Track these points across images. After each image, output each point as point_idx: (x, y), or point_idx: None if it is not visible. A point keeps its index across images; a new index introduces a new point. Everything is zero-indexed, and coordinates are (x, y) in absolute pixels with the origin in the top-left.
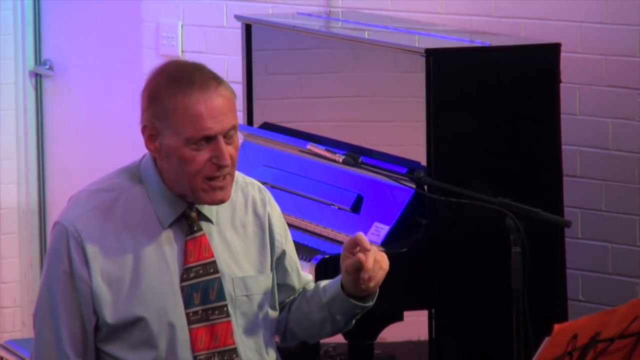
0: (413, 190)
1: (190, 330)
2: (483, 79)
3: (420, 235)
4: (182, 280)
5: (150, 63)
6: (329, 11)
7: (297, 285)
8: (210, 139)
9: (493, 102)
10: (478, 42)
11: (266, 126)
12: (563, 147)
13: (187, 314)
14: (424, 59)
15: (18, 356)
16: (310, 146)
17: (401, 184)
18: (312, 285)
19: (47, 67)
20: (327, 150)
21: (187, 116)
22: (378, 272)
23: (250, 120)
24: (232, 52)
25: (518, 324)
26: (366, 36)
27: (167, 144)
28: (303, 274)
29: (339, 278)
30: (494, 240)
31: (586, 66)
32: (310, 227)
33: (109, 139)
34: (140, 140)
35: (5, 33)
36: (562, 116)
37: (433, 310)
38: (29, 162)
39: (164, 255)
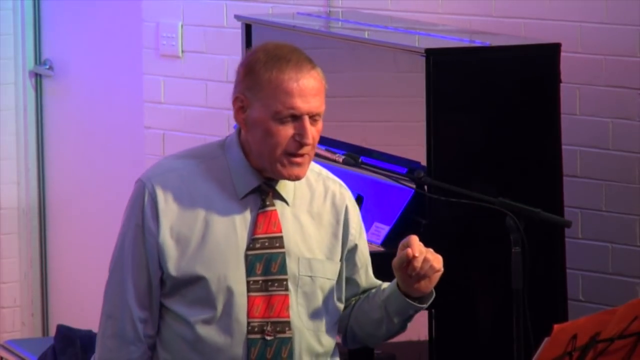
0: (413, 190)
1: (248, 297)
2: (483, 79)
3: (420, 235)
4: (247, 249)
5: (150, 63)
6: (329, 11)
7: (363, 283)
8: (296, 117)
9: (493, 102)
10: (478, 42)
11: None
12: (563, 147)
13: (248, 282)
14: (424, 59)
15: (18, 356)
16: None
17: (401, 184)
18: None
19: (47, 67)
20: (327, 150)
21: (278, 91)
22: (428, 271)
23: None
24: (232, 52)
25: (518, 324)
26: (366, 36)
27: (255, 116)
28: (372, 277)
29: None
30: (494, 240)
31: (586, 66)
32: None
33: (109, 139)
34: (140, 140)
35: (5, 33)
36: (562, 116)
37: (433, 310)
38: (29, 162)
39: (233, 224)
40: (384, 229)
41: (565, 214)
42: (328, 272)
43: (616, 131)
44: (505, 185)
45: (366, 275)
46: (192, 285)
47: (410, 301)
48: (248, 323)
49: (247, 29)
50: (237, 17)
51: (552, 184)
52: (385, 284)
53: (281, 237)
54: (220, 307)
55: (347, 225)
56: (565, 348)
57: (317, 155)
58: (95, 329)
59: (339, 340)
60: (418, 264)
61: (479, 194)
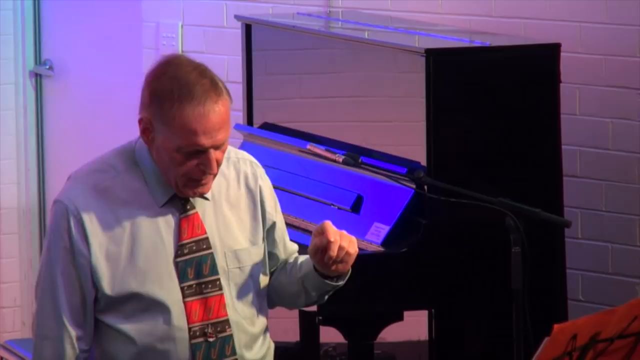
0: (413, 190)
1: (185, 303)
2: (483, 79)
3: (420, 235)
4: (176, 256)
5: (151, 63)
6: (329, 11)
7: (282, 255)
8: (200, 151)
9: (493, 102)
10: (478, 42)
11: (266, 126)
12: (563, 147)
13: (182, 288)
14: (424, 59)
15: (18, 356)
16: (310, 146)
17: (401, 184)
18: (295, 256)
19: (47, 67)
20: (327, 150)
21: (182, 129)
22: (344, 257)
23: (250, 120)
24: (232, 52)
25: (518, 324)
26: (366, 36)
27: (159, 142)
28: (290, 245)
29: None
30: (494, 240)
31: (586, 66)
32: (311, 227)
33: (109, 139)
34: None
35: (5, 33)
36: (562, 116)
37: (433, 310)
38: (29, 162)
39: (159, 233)
40: (384, 229)
41: (565, 214)
42: (255, 257)
43: (616, 131)
44: (505, 185)
45: (284, 247)
46: (128, 300)
47: (327, 281)
48: (189, 329)
49: (247, 29)
50: (237, 17)
51: (552, 184)
52: (302, 257)
53: (207, 239)
54: (158, 317)
55: (263, 205)
56: (565, 348)
57: (317, 155)
58: None
59: None
60: (333, 252)
61: (479, 194)
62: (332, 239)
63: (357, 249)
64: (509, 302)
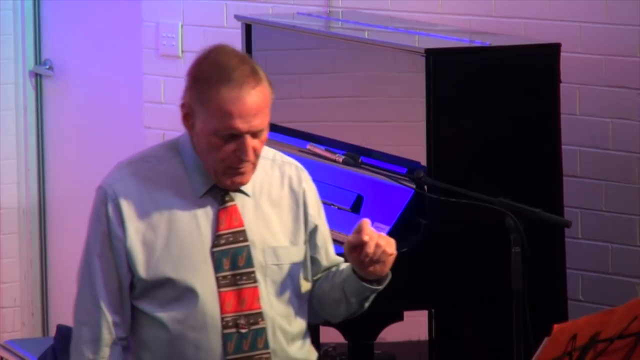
0: (413, 190)
1: (219, 293)
2: (483, 79)
3: (420, 235)
4: (213, 246)
5: (150, 63)
6: (329, 11)
7: (324, 261)
8: (237, 135)
9: (493, 102)
10: (478, 42)
11: None
12: (563, 147)
13: (217, 278)
14: (424, 59)
15: (18, 356)
16: (310, 146)
17: (401, 184)
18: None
19: (47, 67)
20: (327, 150)
21: (219, 111)
22: (381, 256)
23: None
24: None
25: (518, 324)
26: (366, 36)
27: (199, 127)
28: (333, 254)
29: None
30: (494, 240)
31: (586, 66)
32: None
33: (109, 139)
34: (140, 140)
35: (5, 33)
36: (562, 116)
37: (433, 310)
38: (29, 162)
39: (197, 222)
40: (384, 229)
41: (565, 214)
42: (294, 257)
43: (616, 131)
44: (505, 185)
45: (327, 254)
46: (162, 287)
47: (366, 284)
48: (222, 319)
49: (247, 29)
50: (237, 17)
51: (552, 184)
52: (345, 264)
53: (244, 231)
54: (192, 305)
55: (306, 207)
56: (565, 348)
57: (317, 155)
58: None
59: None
60: (370, 249)
61: (479, 194)
62: (366, 237)
63: (395, 251)
64: (509, 302)
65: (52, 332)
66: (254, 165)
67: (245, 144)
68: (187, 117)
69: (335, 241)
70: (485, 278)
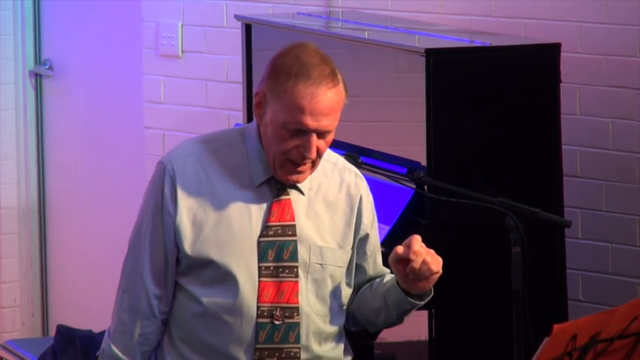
0: (413, 190)
1: (259, 282)
2: (483, 79)
3: (420, 235)
4: (261, 235)
5: (150, 63)
6: (329, 11)
7: (370, 271)
8: (304, 131)
9: (493, 102)
10: (478, 42)
11: None
12: (563, 147)
13: (260, 267)
14: (424, 59)
15: (18, 356)
16: None
17: (401, 184)
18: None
19: (47, 67)
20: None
21: (291, 104)
22: (425, 272)
23: (250, 120)
24: (232, 52)
25: (518, 324)
26: (366, 36)
27: (268, 117)
28: (380, 265)
29: None
30: (494, 240)
31: (586, 66)
32: None
33: (109, 139)
34: (140, 140)
35: (5, 33)
36: (562, 116)
37: (433, 310)
38: (29, 162)
39: (248, 210)
40: (384, 229)
41: (565, 214)
42: (339, 260)
43: (616, 131)
44: (505, 185)
45: (374, 264)
46: (206, 267)
47: (408, 298)
48: (258, 307)
49: (247, 29)
50: (237, 17)
51: (552, 184)
52: (390, 275)
53: (294, 226)
54: (231, 290)
55: (360, 215)
56: (565, 348)
57: None
58: (95, 329)
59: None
60: (416, 264)
61: (479, 194)
62: (412, 257)
63: (441, 269)
64: (509, 302)
65: (52, 332)
66: (314, 165)
67: (310, 142)
68: (260, 105)
69: None
70: (485, 278)
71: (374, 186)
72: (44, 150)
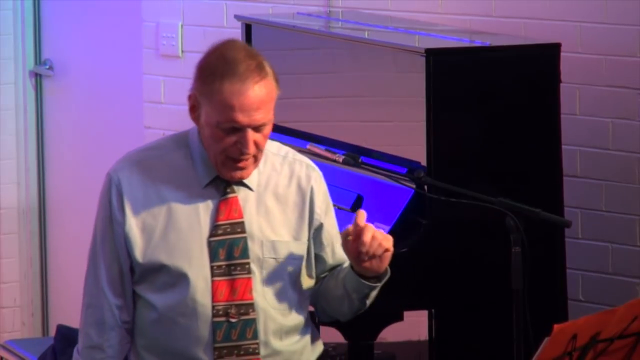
0: (413, 190)
1: (212, 281)
2: (483, 79)
3: (420, 235)
4: (210, 235)
5: (150, 63)
6: (329, 11)
7: (330, 260)
8: (238, 128)
9: (493, 102)
10: (478, 42)
11: None
12: (563, 147)
13: (212, 267)
14: (424, 59)
15: (18, 356)
16: (310, 146)
17: (401, 184)
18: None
19: (47, 67)
20: (327, 150)
21: (221, 104)
22: (377, 250)
23: None
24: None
25: (518, 324)
26: (366, 36)
27: (203, 119)
28: (340, 253)
29: None
30: (494, 240)
31: (586, 66)
32: None
33: (109, 139)
34: (140, 140)
35: (5, 33)
36: (562, 116)
37: (433, 310)
38: (29, 162)
39: (197, 212)
40: (384, 229)
41: (565, 214)
42: (294, 253)
43: (616, 131)
44: (505, 185)
45: (333, 253)
46: (158, 272)
47: (364, 281)
48: (213, 307)
49: (247, 29)
50: (237, 17)
51: (552, 184)
52: (348, 262)
53: (242, 223)
54: (185, 292)
55: (312, 205)
56: (565, 348)
57: (317, 155)
58: None
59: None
60: (367, 238)
61: (479, 194)
62: (362, 224)
63: (391, 247)
64: (509, 302)
65: (52, 332)
66: (257, 159)
67: (246, 137)
68: (194, 108)
69: None
70: (485, 278)
71: (374, 186)
72: (44, 150)
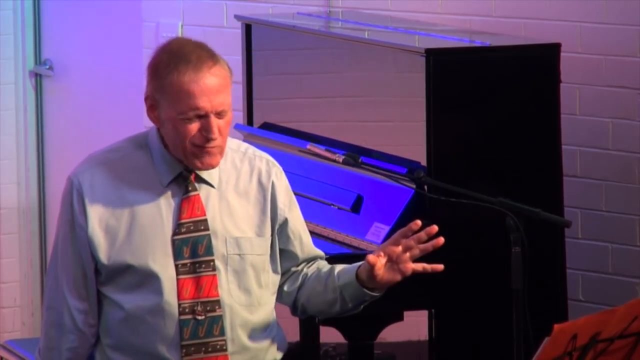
0: (413, 190)
1: (177, 280)
2: (483, 79)
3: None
4: (174, 234)
5: None
6: (329, 11)
7: (299, 253)
8: (201, 115)
9: (493, 102)
10: (478, 42)
11: (266, 126)
12: (563, 147)
13: (176, 265)
14: (424, 59)
15: (18, 356)
16: (310, 146)
17: (401, 184)
18: (324, 263)
19: (47, 67)
20: (327, 150)
21: (180, 93)
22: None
23: (250, 120)
24: (232, 52)
25: (518, 324)
26: (366, 36)
27: (164, 115)
28: (310, 247)
29: (355, 265)
30: (494, 240)
31: (586, 66)
32: (311, 227)
33: (109, 139)
34: None
35: (5, 33)
36: (562, 116)
37: (433, 310)
38: (29, 162)
39: (159, 211)
40: (384, 229)
41: (565, 214)
42: (257, 249)
43: (616, 131)
44: (505, 185)
45: (301, 246)
46: (124, 273)
47: (367, 291)
48: (179, 305)
49: (247, 29)
50: (237, 17)
51: (552, 184)
52: (339, 267)
53: (205, 220)
54: (151, 291)
55: (274, 200)
56: (565, 348)
57: (317, 155)
58: None
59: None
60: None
61: (479, 194)
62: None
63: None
64: (509, 302)
65: None
66: (222, 148)
67: (210, 123)
68: (152, 108)
69: (335, 241)
70: (485, 278)
71: (374, 186)
72: (44, 150)
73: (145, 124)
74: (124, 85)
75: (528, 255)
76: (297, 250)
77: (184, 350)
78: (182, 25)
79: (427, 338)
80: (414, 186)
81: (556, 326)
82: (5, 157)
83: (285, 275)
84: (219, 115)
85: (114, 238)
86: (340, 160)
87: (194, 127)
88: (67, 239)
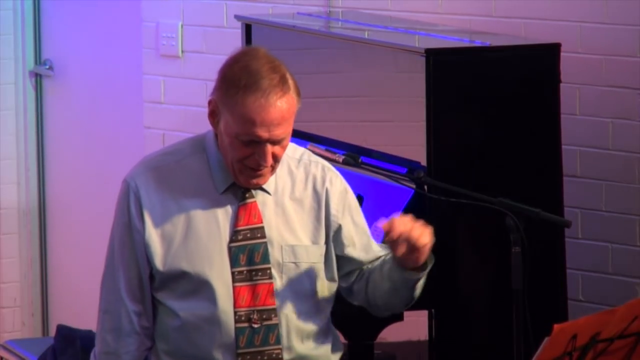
0: (413, 190)
1: (234, 287)
2: (483, 79)
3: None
4: (230, 241)
5: (150, 63)
6: (329, 11)
7: (360, 257)
8: (257, 142)
9: (493, 102)
10: (478, 42)
11: None
12: (563, 147)
13: (233, 273)
14: (424, 59)
15: (18, 356)
16: (310, 146)
17: (401, 184)
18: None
19: (47, 67)
20: (327, 150)
21: (242, 117)
22: (416, 244)
23: None
24: (232, 52)
25: (518, 324)
26: (366, 36)
27: (222, 126)
28: (372, 248)
29: None
30: (494, 240)
31: (586, 66)
32: None
33: (109, 139)
34: (140, 140)
35: (5, 33)
36: (562, 116)
37: (433, 310)
38: (29, 162)
39: (215, 218)
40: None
41: (565, 214)
42: (312, 257)
43: (616, 131)
44: (505, 185)
45: (362, 249)
46: (179, 279)
47: (407, 273)
48: (235, 313)
49: (247, 29)
50: (237, 17)
51: (552, 184)
52: (389, 254)
53: (262, 228)
54: (207, 299)
55: (328, 208)
56: (565, 348)
57: (317, 155)
58: (95, 329)
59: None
60: (395, 234)
61: (479, 194)
62: (395, 237)
63: (428, 241)
64: (509, 302)
65: (52, 332)
66: (274, 168)
67: (265, 151)
68: (213, 114)
69: None
70: (485, 278)
71: (374, 186)
72: (44, 150)
73: (145, 124)
74: (124, 85)
75: (528, 255)
76: (357, 253)
77: (239, 358)
78: (182, 26)
79: (427, 338)
80: (414, 186)
81: (556, 326)
82: (5, 157)
83: (352, 275)
84: (277, 142)
85: (170, 244)
86: (340, 160)
87: (249, 150)
88: (123, 242)
